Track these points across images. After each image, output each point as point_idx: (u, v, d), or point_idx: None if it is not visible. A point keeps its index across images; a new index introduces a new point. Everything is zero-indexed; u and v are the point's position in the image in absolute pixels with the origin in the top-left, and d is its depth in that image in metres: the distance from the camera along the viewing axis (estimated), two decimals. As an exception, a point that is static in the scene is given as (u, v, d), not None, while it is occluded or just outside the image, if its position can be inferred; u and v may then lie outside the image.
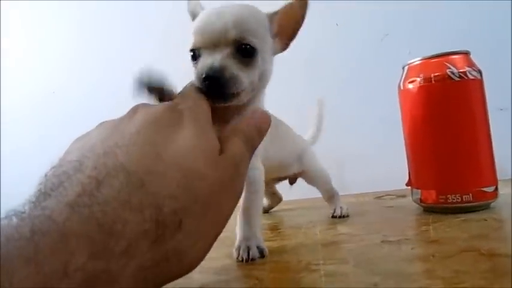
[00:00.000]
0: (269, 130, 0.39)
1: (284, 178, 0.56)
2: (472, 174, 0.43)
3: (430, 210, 0.46)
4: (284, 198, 0.64)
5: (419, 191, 0.46)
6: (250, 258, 0.33)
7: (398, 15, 0.77)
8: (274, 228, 0.49)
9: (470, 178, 0.43)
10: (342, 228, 0.44)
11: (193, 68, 0.31)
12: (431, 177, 0.45)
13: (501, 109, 0.70)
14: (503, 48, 0.71)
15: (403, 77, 0.47)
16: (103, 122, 0.25)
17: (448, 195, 0.43)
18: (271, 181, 0.56)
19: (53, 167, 0.21)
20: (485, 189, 0.43)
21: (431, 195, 0.45)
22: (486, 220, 0.39)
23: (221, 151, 0.25)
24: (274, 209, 0.63)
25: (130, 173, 0.20)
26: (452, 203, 0.43)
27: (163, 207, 0.20)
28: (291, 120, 0.53)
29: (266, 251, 0.35)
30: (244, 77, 0.31)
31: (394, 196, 0.61)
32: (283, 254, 0.37)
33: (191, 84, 0.30)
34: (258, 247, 0.35)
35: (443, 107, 0.43)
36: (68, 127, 0.89)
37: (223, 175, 0.24)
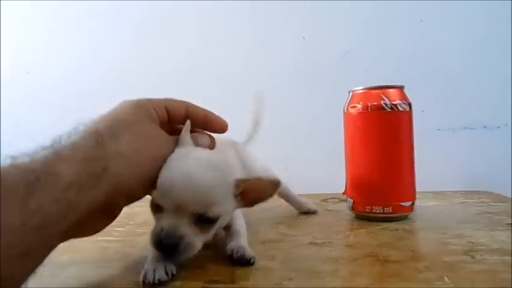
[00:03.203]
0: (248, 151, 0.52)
1: None
2: (393, 191, 0.51)
3: (359, 217, 0.54)
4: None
5: (352, 200, 0.54)
6: (158, 280, 0.32)
7: (360, 34, 0.84)
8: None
9: (392, 194, 0.51)
10: (282, 229, 0.51)
11: (154, 217, 0.35)
12: (362, 190, 0.53)
13: (438, 129, 0.79)
14: (446, 77, 0.81)
15: (347, 102, 0.54)
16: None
17: (373, 206, 0.51)
18: None
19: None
20: (403, 203, 0.51)
21: (361, 205, 0.53)
22: (397, 230, 0.47)
23: None
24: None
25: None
26: (376, 213, 0.51)
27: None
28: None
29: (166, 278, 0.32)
30: (199, 241, 0.34)
31: (337, 200, 0.69)
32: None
33: None
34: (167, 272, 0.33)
35: (376, 132, 0.51)
36: (42, 108, 0.92)
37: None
